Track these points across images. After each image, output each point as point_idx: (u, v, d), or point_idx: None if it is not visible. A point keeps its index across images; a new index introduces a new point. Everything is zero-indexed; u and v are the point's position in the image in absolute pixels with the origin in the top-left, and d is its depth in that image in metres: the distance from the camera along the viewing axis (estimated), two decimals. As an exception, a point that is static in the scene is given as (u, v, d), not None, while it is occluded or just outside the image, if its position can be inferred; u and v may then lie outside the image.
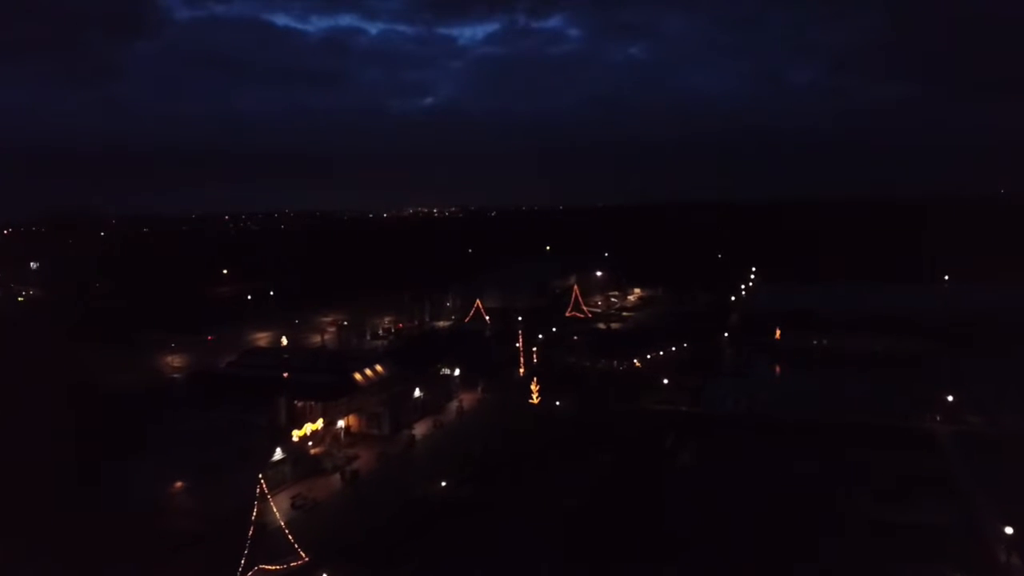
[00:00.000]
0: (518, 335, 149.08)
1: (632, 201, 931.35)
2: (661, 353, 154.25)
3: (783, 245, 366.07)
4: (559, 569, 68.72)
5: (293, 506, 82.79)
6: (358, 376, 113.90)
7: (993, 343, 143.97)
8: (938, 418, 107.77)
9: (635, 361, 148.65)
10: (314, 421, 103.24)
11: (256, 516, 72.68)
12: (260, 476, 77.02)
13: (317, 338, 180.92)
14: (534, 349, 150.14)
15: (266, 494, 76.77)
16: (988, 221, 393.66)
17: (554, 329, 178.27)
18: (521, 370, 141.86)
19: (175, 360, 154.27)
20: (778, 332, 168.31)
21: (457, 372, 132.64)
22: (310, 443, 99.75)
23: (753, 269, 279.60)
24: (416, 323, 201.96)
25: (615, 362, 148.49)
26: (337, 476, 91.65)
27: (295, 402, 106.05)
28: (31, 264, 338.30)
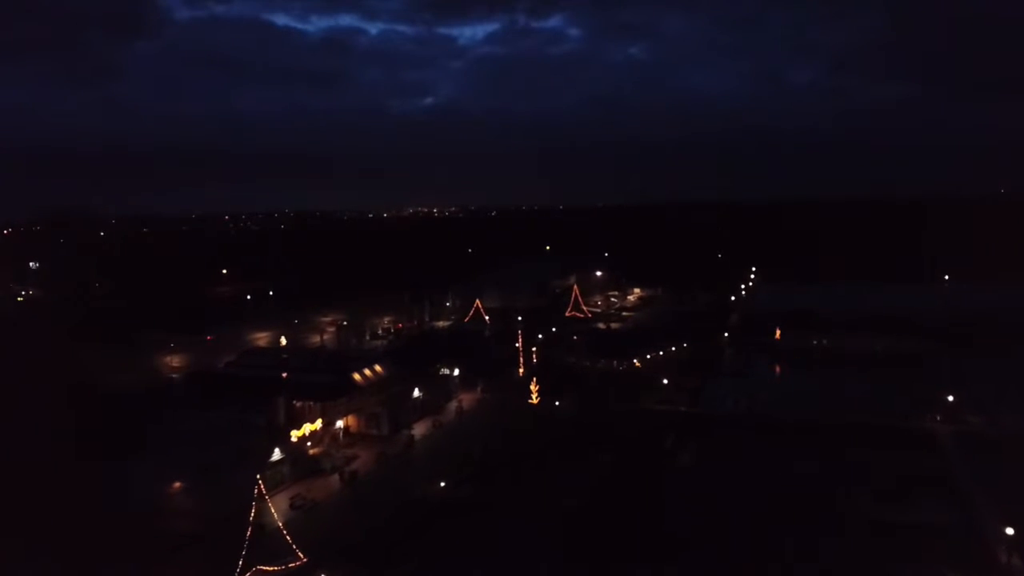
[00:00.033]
0: (518, 335, 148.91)
1: (632, 201, 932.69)
2: (661, 353, 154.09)
3: (783, 245, 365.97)
4: (559, 569, 68.54)
5: (292, 506, 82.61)
6: (357, 376, 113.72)
7: (993, 343, 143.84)
8: (938, 418, 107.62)
9: (635, 361, 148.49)
10: (313, 421, 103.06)
11: (254, 516, 72.48)
12: (258, 476, 76.87)
13: (316, 338, 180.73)
14: (534, 349, 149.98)
15: (264, 494, 76.63)
16: (988, 221, 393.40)
17: (554, 329, 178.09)
18: (521, 370, 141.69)
19: (174, 360, 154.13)
20: (778, 332, 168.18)
21: (456, 372, 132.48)
22: (309, 443, 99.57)
23: (753, 269, 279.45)
24: (415, 323, 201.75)
25: (615, 362, 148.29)
26: (336, 476, 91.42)
27: (294, 402, 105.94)
28: (30, 264, 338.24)
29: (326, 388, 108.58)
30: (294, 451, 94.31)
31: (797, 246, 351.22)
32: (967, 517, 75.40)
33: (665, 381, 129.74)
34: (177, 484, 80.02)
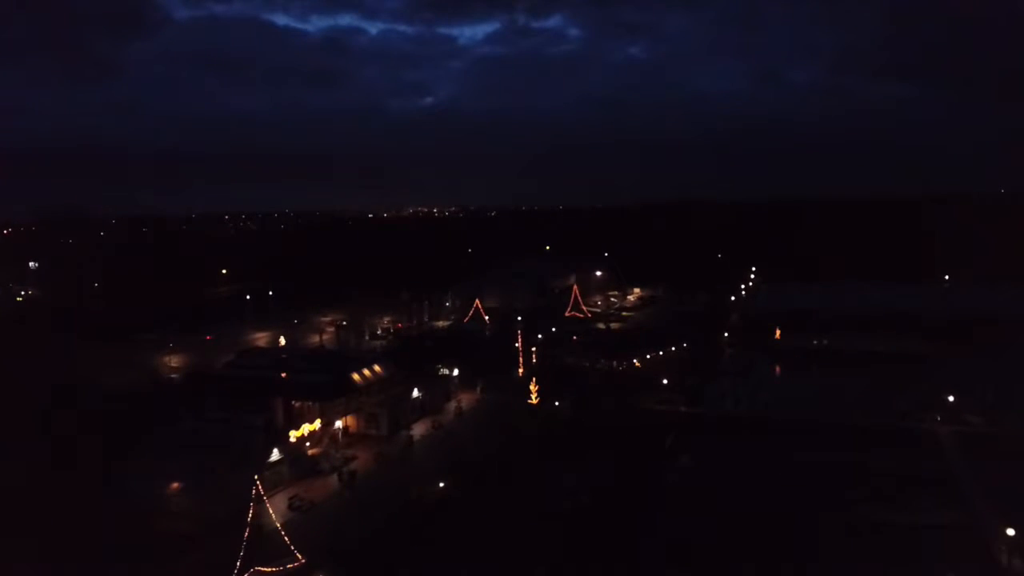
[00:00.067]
0: (517, 335, 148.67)
1: (632, 201, 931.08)
2: (661, 353, 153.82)
3: (783, 245, 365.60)
4: (558, 571, 68.28)
5: (290, 507, 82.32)
6: (356, 376, 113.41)
7: (993, 343, 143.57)
8: (938, 418, 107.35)
9: (635, 361, 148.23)
10: (312, 422, 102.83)
11: (252, 517, 72.28)
12: (257, 477, 76.64)
13: (316, 338, 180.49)
14: (533, 349, 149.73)
15: (263, 495, 76.43)
16: (988, 221, 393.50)
17: (553, 329, 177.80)
18: (520, 370, 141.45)
19: (173, 360, 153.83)
20: (778, 332, 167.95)
21: (456, 372, 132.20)
22: (307, 444, 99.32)
23: (753, 269, 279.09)
24: (415, 323, 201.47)
25: (615, 362, 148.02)
26: (335, 477, 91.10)
27: (292, 402, 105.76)
28: (30, 264, 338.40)
29: (325, 388, 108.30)
30: (293, 452, 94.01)
31: (797, 246, 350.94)
32: (967, 518, 75.16)
33: (665, 381, 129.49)
34: (175, 485, 79.68)
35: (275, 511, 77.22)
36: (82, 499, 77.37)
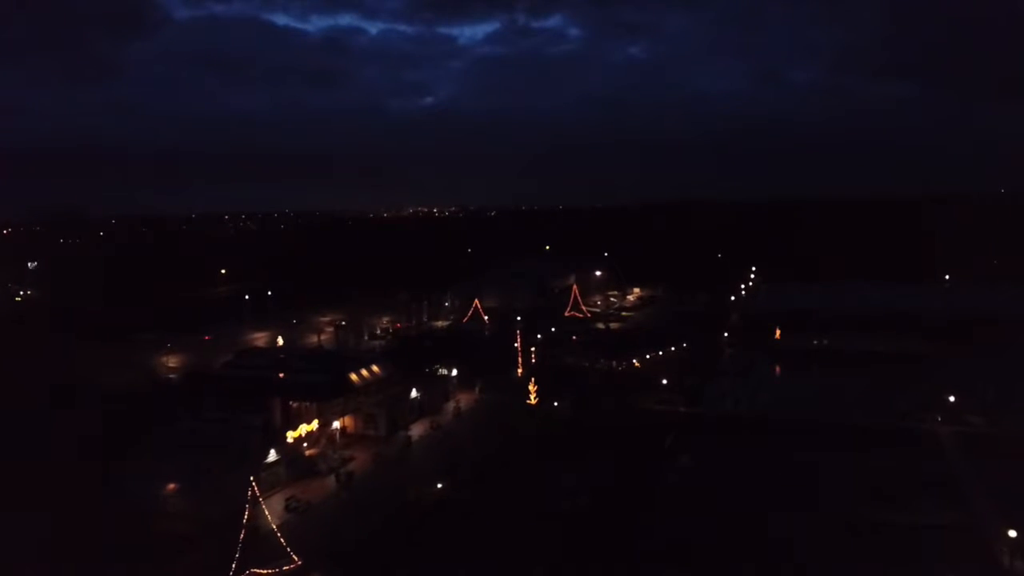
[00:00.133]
0: (516, 335, 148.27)
1: (632, 201, 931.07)
2: (661, 353, 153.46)
3: (783, 245, 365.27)
4: (557, 571, 67.88)
5: (287, 508, 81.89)
6: (354, 377, 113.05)
7: (993, 343, 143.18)
8: (939, 418, 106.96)
9: (635, 361, 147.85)
10: (309, 422, 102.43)
11: (249, 519, 71.89)
12: (253, 478, 76.19)
13: (314, 338, 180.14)
14: (532, 349, 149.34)
15: (259, 496, 76.03)
16: (988, 221, 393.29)
17: (553, 329, 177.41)
18: (519, 370, 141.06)
19: (171, 360, 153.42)
20: (778, 332, 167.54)
21: (455, 372, 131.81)
22: (305, 444, 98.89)
23: (753, 269, 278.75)
24: (414, 323, 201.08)
25: (614, 362, 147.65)
26: (332, 478, 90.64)
27: (290, 403, 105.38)
28: (29, 264, 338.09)
29: (322, 388, 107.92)
30: (290, 452, 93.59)
31: (797, 246, 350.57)
32: (968, 518, 74.79)
33: (665, 381, 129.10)
34: (171, 486, 79.25)
35: (271, 512, 76.83)
36: (81, 499, 77.02)
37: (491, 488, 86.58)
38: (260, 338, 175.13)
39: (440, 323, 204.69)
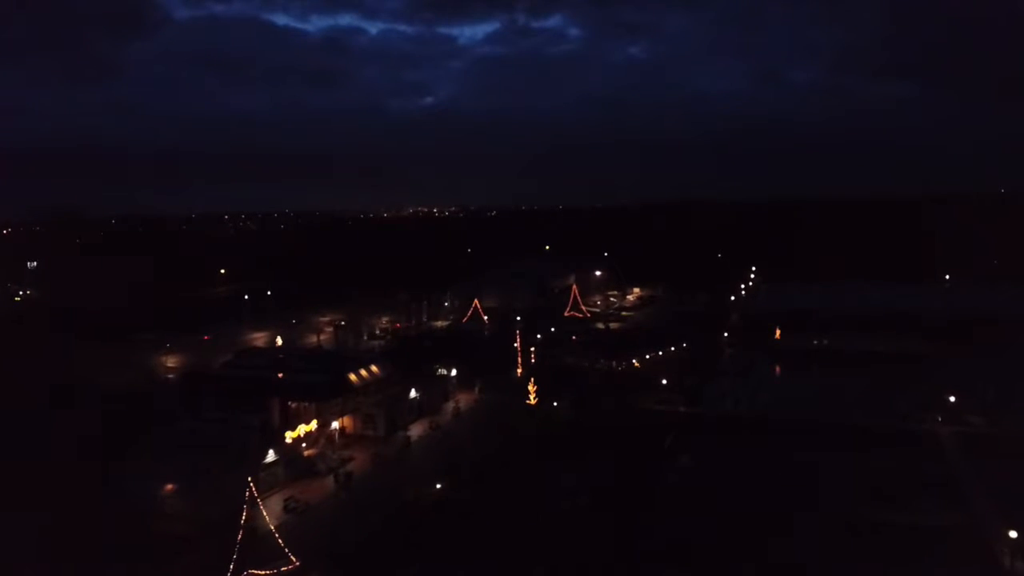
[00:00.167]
0: (516, 335, 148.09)
1: (632, 201, 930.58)
2: (661, 353, 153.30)
3: (783, 245, 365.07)
4: (557, 571, 67.70)
5: (285, 509, 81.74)
6: (353, 377, 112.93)
7: (993, 343, 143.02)
8: (939, 418, 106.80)
9: (635, 361, 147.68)
10: (308, 422, 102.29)
11: (247, 520, 71.70)
12: (251, 479, 76.02)
13: (314, 338, 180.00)
14: (532, 349, 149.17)
15: (257, 497, 75.82)
16: (988, 221, 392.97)
17: (552, 329, 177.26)
18: (519, 370, 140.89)
19: (170, 360, 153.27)
20: (778, 332, 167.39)
21: (454, 373, 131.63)
22: (304, 444, 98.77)
23: (753, 269, 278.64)
24: (413, 323, 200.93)
25: (614, 362, 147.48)
26: (331, 478, 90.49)
27: (289, 403, 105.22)
28: (28, 264, 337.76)
29: (321, 388, 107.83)
30: (288, 452, 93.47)
31: (797, 246, 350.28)
32: (968, 519, 74.63)
33: (664, 381, 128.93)
34: (169, 486, 79.09)
35: (270, 513, 76.64)
36: (80, 499, 76.87)
37: (491, 488, 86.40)
38: (259, 338, 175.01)
39: (440, 323, 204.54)
